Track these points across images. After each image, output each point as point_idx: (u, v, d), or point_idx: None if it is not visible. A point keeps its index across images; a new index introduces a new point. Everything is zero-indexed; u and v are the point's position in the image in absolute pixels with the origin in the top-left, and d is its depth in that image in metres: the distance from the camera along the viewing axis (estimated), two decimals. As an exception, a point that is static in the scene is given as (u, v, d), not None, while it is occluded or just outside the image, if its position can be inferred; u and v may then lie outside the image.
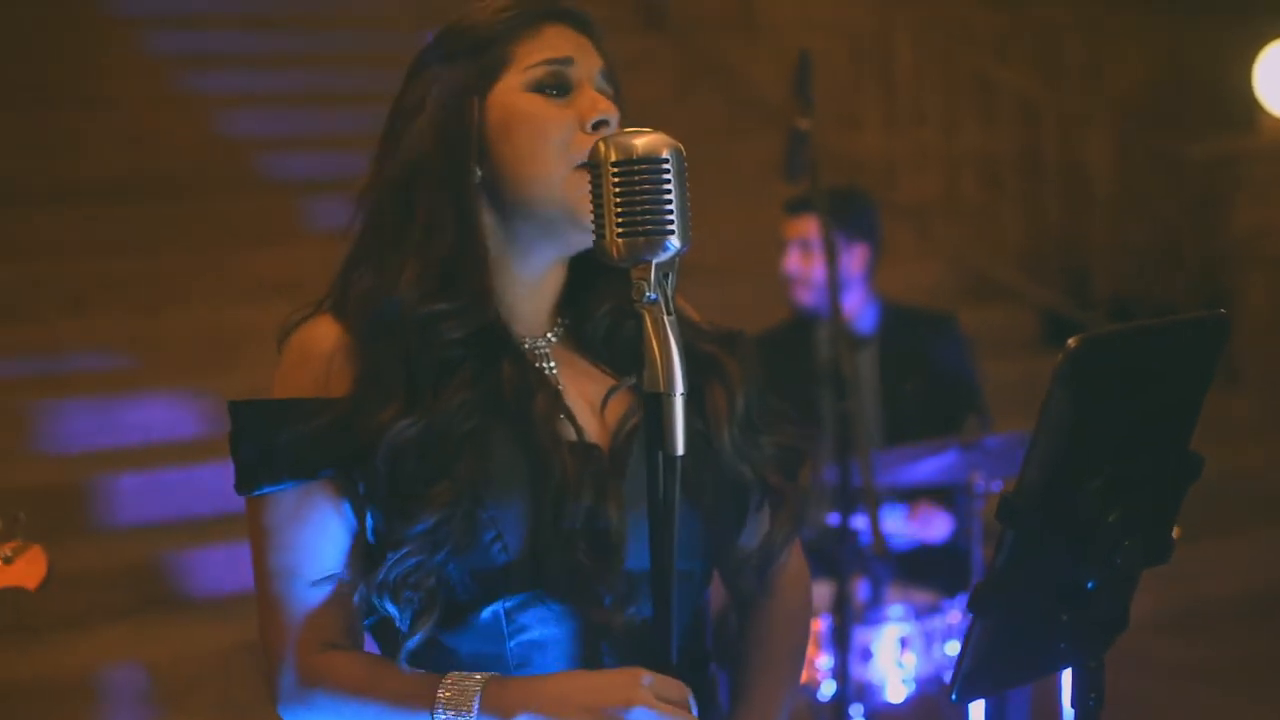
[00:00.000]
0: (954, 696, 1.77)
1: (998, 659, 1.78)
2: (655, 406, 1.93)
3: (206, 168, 8.07)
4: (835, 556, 4.19)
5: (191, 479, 6.03)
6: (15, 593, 2.62)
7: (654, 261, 1.92)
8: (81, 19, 8.73)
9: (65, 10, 8.71)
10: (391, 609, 2.02)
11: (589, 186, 1.97)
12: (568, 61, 2.14)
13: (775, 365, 5.14)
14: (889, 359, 5.20)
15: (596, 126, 2.10)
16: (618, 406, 2.15)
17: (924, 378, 5.12)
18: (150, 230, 7.54)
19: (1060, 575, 1.78)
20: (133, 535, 6.06)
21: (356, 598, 2.06)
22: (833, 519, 4.27)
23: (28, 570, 2.62)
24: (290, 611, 2.08)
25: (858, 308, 5.21)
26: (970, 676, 1.77)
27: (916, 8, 10.35)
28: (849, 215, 5.09)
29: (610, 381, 2.16)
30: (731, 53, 10.07)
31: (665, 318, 1.94)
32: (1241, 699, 6.44)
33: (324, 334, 2.12)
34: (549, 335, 2.19)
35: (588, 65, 2.16)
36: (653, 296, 1.93)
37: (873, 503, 3.92)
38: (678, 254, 1.93)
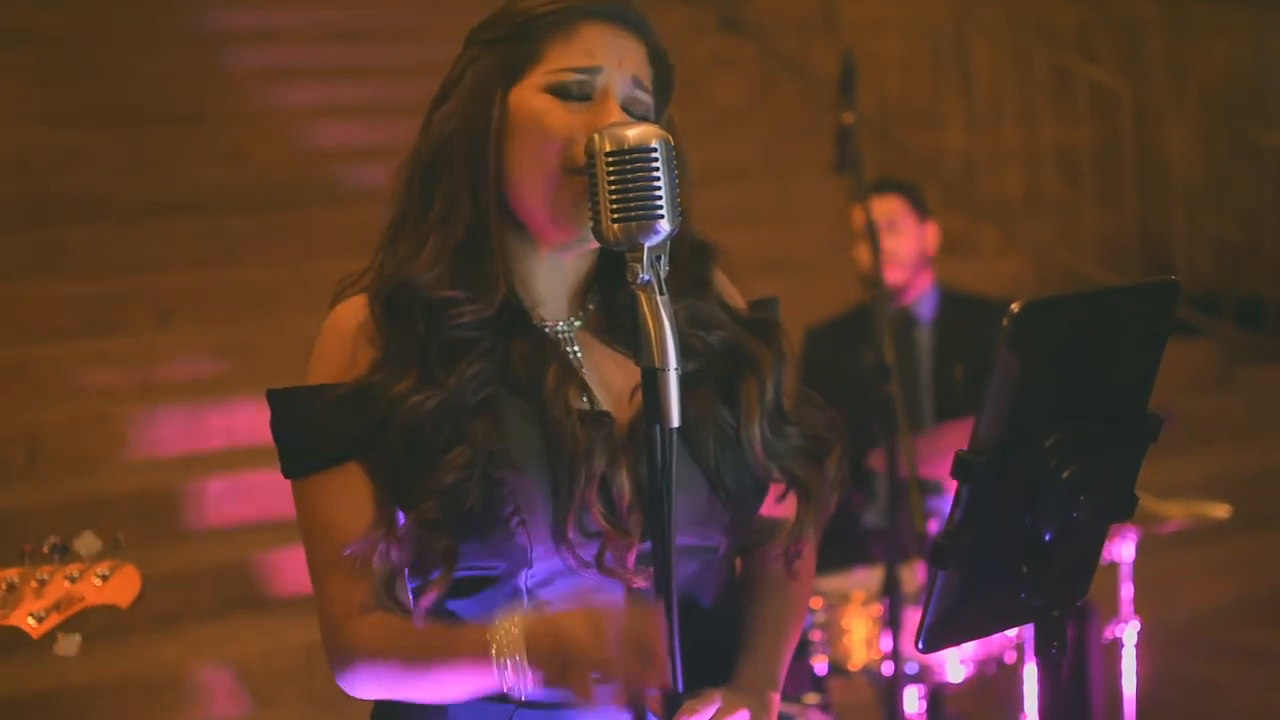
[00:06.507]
0: (920, 646, 1.85)
1: (961, 610, 1.86)
2: (652, 381, 2.03)
3: (291, 180, 8.18)
4: (887, 539, 4.27)
5: (277, 482, 6.05)
6: (109, 609, 2.71)
7: (646, 244, 2.03)
8: (169, 37, 8.86)
9: (154, 29, 8.86)
10: (407, 571, 2.11)
11: (579, 191, 2.08)
12: (595, 71, 2.16)
13: (839, 351, 5.23)
14: (944, 343, 5.28)
15: None
16: None
17: (975, 364, 5.17)
18: (236, 242, 7.66)
19: (1017, 528, 1.85)
20: (221, 537, 6.19)
21: (377, 559, 2.10)
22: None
23: (122, 588, 2.66)
24: (333, 586, 2.16)
25: (923, 291, 5.29)
26: (935, 628, 1.85)
27: (995, 5, 10.36)
28: (917, 195, 5.23)
29: (635, 367, 2.16)
30: (811, 53, 10.07)
31: (658, 297, 2.04)
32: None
33: (351, 314, 2.19)
34: (572, 319, 2.24)
35: (619, 72, 2.17)
36: (646, 278, 2.04)
37: (916, 486, 3.99)
38: (668, 237, 2.04)
